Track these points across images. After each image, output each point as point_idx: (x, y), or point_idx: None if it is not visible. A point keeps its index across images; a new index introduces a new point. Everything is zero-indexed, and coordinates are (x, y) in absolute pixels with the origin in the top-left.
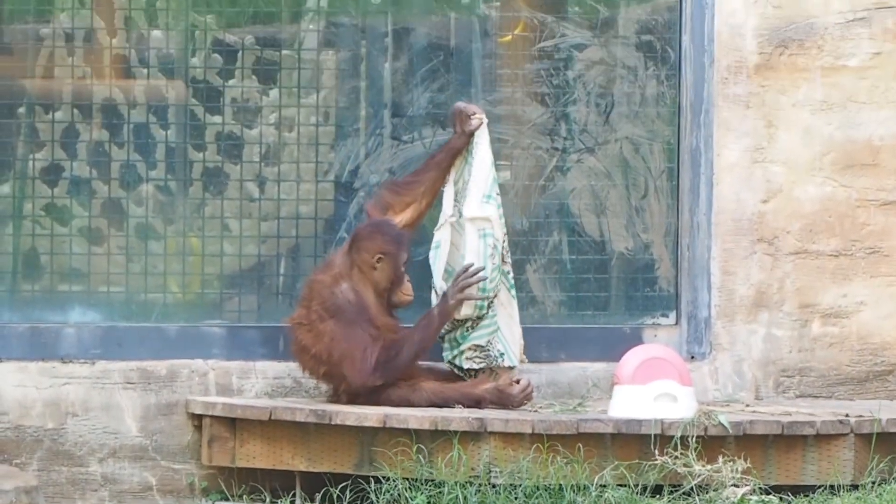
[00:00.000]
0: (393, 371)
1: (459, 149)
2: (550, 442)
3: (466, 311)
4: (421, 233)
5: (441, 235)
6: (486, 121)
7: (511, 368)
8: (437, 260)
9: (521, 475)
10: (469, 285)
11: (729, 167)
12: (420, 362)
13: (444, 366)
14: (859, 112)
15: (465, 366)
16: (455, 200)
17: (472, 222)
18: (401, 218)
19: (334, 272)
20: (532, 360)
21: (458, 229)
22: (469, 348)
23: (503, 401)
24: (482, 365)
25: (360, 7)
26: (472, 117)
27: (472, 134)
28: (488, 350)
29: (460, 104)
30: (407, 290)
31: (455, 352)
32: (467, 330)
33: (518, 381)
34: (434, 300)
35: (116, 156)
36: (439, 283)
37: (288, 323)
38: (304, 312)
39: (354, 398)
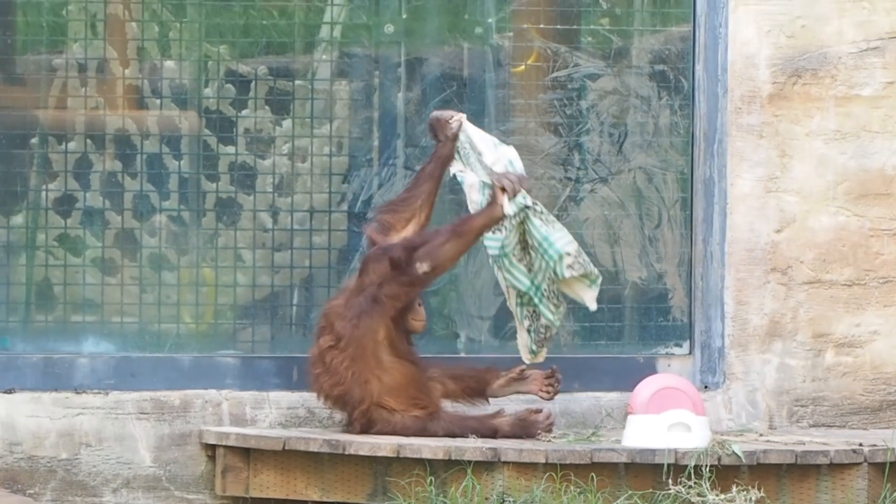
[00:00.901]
0: (431, 250)
1: (447, 155)
2: (564, 471)
3: (514, 207)
4: None
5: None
6: (464, 116)
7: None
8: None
9: None
10: (514, 181)
11: (742, 197)
12: (430, 366)
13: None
14: (873, 141)
15: (567, 274)
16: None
17: (498, 163)
18: (403, 235)
19: (347, 295)
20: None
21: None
22: (567, 254)
23: (526, 429)
24: (581, 271)
25: (373, 38)
26: (450, 121)
27: (455, 137)
28: (580, 255)
29: (435, 113)
30: (418, 316)
31: (555, 257)
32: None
33: (539, 411)
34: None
35: (129, 186)
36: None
37: (314, 352)
38: (328, 338)
39: (368, 427)
